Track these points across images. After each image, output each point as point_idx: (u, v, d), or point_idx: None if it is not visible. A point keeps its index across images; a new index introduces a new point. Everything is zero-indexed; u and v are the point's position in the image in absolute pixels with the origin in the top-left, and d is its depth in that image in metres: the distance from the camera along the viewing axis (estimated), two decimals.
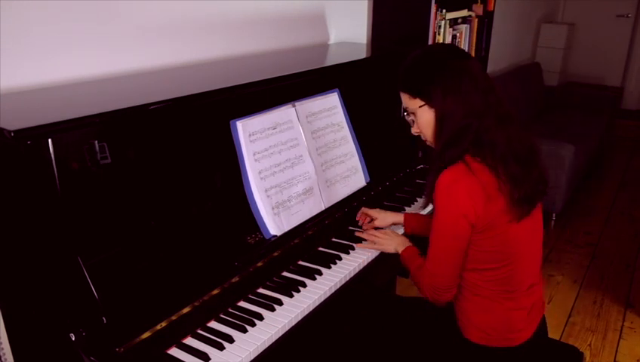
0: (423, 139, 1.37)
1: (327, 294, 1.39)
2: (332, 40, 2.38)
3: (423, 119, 1.32)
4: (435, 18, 2.40)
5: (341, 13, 2.35)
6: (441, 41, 2.50)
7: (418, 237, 1.63)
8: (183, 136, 1.31)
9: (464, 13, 2.71)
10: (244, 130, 1.42)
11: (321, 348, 1.26)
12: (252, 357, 1.18)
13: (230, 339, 1.19)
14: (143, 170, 1.23)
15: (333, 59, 2.09)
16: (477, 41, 2.87)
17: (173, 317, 1.16)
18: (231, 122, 1.41)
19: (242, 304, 1.32)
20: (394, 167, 1.96)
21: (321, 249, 1.58)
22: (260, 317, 1.26)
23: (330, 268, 1.48)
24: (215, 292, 1.26)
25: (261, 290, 1.38)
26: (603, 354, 2.32)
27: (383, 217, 1.66)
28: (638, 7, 5.47)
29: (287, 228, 1.47)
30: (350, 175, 1.72)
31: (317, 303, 1.35)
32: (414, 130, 1.37)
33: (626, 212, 3.74)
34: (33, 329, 1.23)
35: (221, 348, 1.17)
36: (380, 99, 2.03)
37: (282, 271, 1.45)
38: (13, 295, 1.23)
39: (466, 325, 1.36)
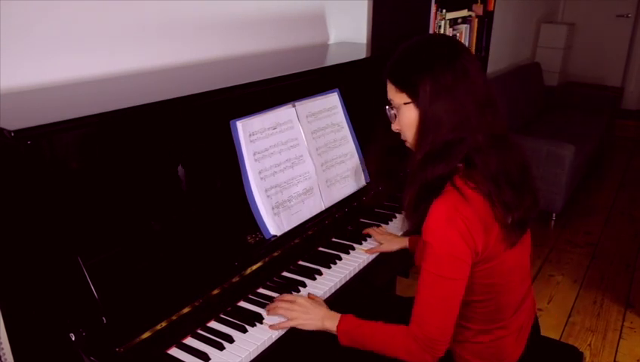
0: (403, 138, 1.23)
1: (327, 294, 1.39)
2: (332, 40, 2.38)
3: (405, 118, 1.16)
4: (435, 18, 2.41)
5: (341, 13, 2.35)
6: None
7: None
8: (183, 136, 1.31)
9: (464, 13, 2.71)
10: (244, 130, 1.42)
11: (321, 348, 1.26)
12: (252, 357, 1.18)
13: (230, 339, 1.19)
14: (143, 170, 1.23)
15: (333, 59, 2.09)
16: (477, 41, 2.87)
17: (173, 317, 1.16)
18: (231, 122, 1.41)
19: (242, 304, 1.32)
20: (394, 167, 1.96)
21: (321, 249, 1.58)
22: (260, 318, 1.26)
23: (330, 268, 1.48)
24: (215, 292, 1.25)
25: (261, 290, 1.38)
26: (603, 354, 2.32)
27: (389, 242, 1.60)
28: (638, 7, 5.47)
29: (287, 228, 1.47)
30: (350, 175, 1.72)
31: None
32: (394, 127, 1.22)
33: (626, 212, 3.74)
34: (33, 329, 1.23)
35: (221, 348, 1.17)
36: (380, 99, 2.02)
37: (282, 271, 1.45)
38: (13, 295, 1.23)
39: (455, 354, 1.28)
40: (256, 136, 1.45)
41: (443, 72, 1.08)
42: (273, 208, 1.45)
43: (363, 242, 1.62)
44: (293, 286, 1.38)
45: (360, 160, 1.76)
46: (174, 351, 1.16)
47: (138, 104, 1.17)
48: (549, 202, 3.41)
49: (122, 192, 1.18)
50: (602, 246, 3.26)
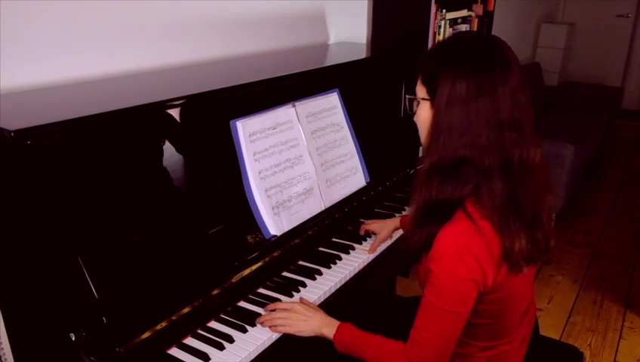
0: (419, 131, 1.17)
1: (327, 294, 1.39)
2: (332, 40, 2.38)
3: (421, 114, 1.11)
4: (435, 18, 2.41)
5: (341, 13, 2.35)
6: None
7: None
8: (183, 136, 1.31)
9: (464, 13, 2.71)
10: (244, 130, 1.42)
11: (321, 348, 1.26)
12: (252, 357, 1.18)
13: (230, 339, 1.19)
14: (142, 170, 1.23)
15: (333, 59, 2.09)
16: None
17: (174, 317, 1.16)
18: (231, 122, 1.41)
19: (242, 304, 1.32)
20: (394, 167, 1.96)
21: (321, 249, 1.58)
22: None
23: (330, 268, 1.48)
24: (215, 292, 1.25)
25: (261, 290, 1.38)
26: (603, 354, 2.32)
27: (382, 228, 1.61)
28: (638, 7, 5.47)
29: (287, 228, 1.47)
30: (350, 175, 1.72)
31: (317, 303, 1.35)
32: (415, 117, 1.15)
33: (626, 212, 3.74)
34: (33, 329, 1.23)
35: (221, 348, 1.17)
36: (380, 99, 2.03)
37: (282, 271, 1.45)
38: (13, 295, 1.23)
39: None
40: (256, 136, 1.45)
41: (465, 81, 1.00)
42: (273, 208, 1.45)
43: (363, 242, 1.62)
44: (293, 286, 1.38)
45: (360, 160, 1.76)
46: (174, 351, 1.16)
47: (138, 104, 1.17)
48: None
49: (122, 192, 1.18)
50: (602, 246, 3.26)
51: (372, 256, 1.56)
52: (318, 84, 1.69)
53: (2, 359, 1.33)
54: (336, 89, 1.73)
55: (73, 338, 1.04)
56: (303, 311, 1.24)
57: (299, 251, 1.51)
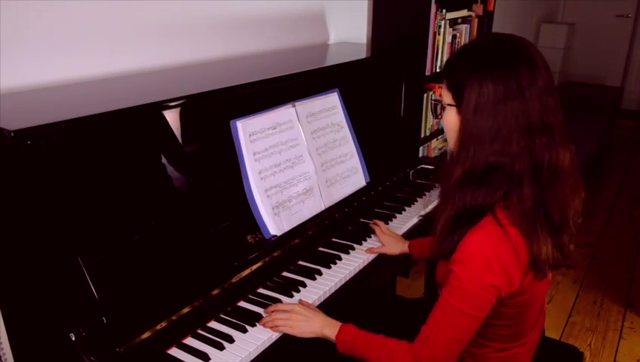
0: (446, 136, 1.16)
1: (327, 294, 1.39)
2: (332, 40, 2.38)
3: (447, 120, 1.10)
4: (435, 18, 2.41)
5: (341, 13, 2.35)
6: (440, 41, 2.50)
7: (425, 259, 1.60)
8: (183, 136, 1.31)
9: (464, 13, 2.71)
10: (244, 130, 1.42)
11: (321, 348, 1.26)
12: (252, 357, 1.18)
13: (230, 339, 1.19)
14: (143, 170, 1.23)
15: (333, 59, 2.09)
16: None
17: (173, 317, 1.16)
18: (231, 122, 1.41)
19: (242, 304, 1.32)
20: (394, 167, 1.96)
21: (321, 249, 1.58)
22: (261, 318, 1.26)
23: (330, 268, 1.48)
24: (215, 292, 1.25)
25: (261, 290, 1.38)
26: (603, 354, 2.32)
27: (391, 245, 1.58)
28: (638, 7, 5.48)
29: (287, 228, 1.47)
30: (350, 175, 1.72)
31: (317, 303, 1.35)
32: (442, 121, 1.15)
33: (626, 212, 3.74)
34: (33, 329, 1.23)
35: (221, 348, 1.17)
36: (380, 99, 2.03)
37: (282, 271, 1.45)
38: (13, 295, 1.23)
39: None
40: (256, 136, 1.45)
41: (492, 85, 0.99)
42: (273, 208, 1.45)
43: (363, 242, 1.62)
44: (293, 287, 1.38)
45: (360, 160, 1.76)
46: (174, 351, 1.16)
47: (138, 104, 1.17)
48: None
49: (122, 192, 1.18)
50: (602, 246, 3.26)
51: (372, 256, 1.56)
52: (318, 84, 1.69)
53: (2, 359, 1.33)
54: (336, 89, 1.73)
55: (73, 339, 1.04)
56: (304, 312, 1.24)
57: (299, 251, 1.51)
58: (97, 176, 1.13)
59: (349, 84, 1.80)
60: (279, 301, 1.32)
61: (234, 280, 1.30)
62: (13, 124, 0.99)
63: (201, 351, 1.15)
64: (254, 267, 1.36)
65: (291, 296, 1.35)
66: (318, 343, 1.24)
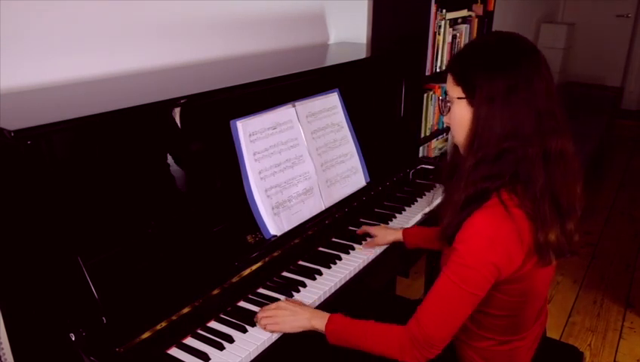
0: (452, 134, 1.19)
1: (327, 294, 1.39)
2: (332, 40, 2.38)
3: (457, 114, 1.12)
4: (435, 18, 2.41)
5: (341, 13, 2.35)
6: (440, 41, 2.51)
7: (420, 250, 1.61)
8: (183, 136, 1.31)
9: (464, 13, 2.71)
10: (244, 130, 1.42)
11: (321, 348, 1.26)
12: (252, 357, 1.18)
13: (230, 339, 1.19)
14: (143, 170, 1.23)
15: (333, 59, 2.09)
16: None
17: (173, 317, 1.16)
18: (231, 122, 1.41)
19: (242, 304, 1.32)
20: (394, 167, 1.97)
21: (321, 249, 1.58)
22: None
23: (330, 268, 1.48)
24: (215, 292, 1.25)
25: (261, 290, 1.38)
26: (603, 354, 2.32)
27: (383, 235, 1.59)
28: (638, 7, 5.48)
29: (287, 228, 1.47)
30: (350, 175, 1.72)
31: (317, 303, 1.35)
32: (445, 120, 1.19)
33: (626, 212, 3.74)
34: (33, 329, 1.23)
35: (221, 348, 1.17)
36: (380, 99, 2.03)
37: (282, 271, 1.45)
38: (13, 295, 1.23)
39: (465, 355, 1.27)
40: (256, 136, 1.45)
41: (503, 77, 1.04)
42: (273, 208, 1.45)
43: (363, 242, 1.62)
44: (293, 286, 1.38)
45: (360, 160, 1.76)
46: (174, 351, 1.16)
47: (138, 104, 1.17)
48: None
49: (122, 192, 1.18)
50: (602, 246, 3.26)
51: (372, 256, 1.56)
52: (318, 84, 1.69)
53: (2, 359, 1.33)
54: (336, 89, 1.73)
55: (73, 339, 1.04)
56: (290, 306, 1.24)
57: (299, 251, 1.51)
58: (97, 176, 1.13)
59: (349, 84, 1.80)
60: (279, 301, 1.32)
61: (234, 280, 1.30)
62: (13, 124, 0.99)
63: (201, 351, 1.15)
64: (254, 267, 1.36)
65: (291, 296, 1.35)
66: (318, 343, 1.24)
